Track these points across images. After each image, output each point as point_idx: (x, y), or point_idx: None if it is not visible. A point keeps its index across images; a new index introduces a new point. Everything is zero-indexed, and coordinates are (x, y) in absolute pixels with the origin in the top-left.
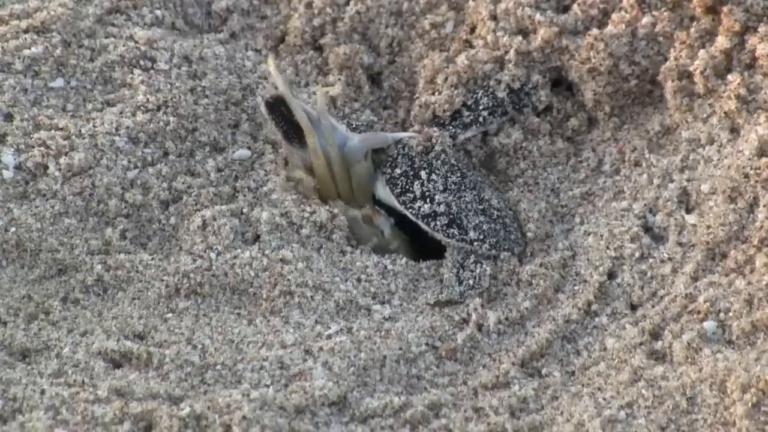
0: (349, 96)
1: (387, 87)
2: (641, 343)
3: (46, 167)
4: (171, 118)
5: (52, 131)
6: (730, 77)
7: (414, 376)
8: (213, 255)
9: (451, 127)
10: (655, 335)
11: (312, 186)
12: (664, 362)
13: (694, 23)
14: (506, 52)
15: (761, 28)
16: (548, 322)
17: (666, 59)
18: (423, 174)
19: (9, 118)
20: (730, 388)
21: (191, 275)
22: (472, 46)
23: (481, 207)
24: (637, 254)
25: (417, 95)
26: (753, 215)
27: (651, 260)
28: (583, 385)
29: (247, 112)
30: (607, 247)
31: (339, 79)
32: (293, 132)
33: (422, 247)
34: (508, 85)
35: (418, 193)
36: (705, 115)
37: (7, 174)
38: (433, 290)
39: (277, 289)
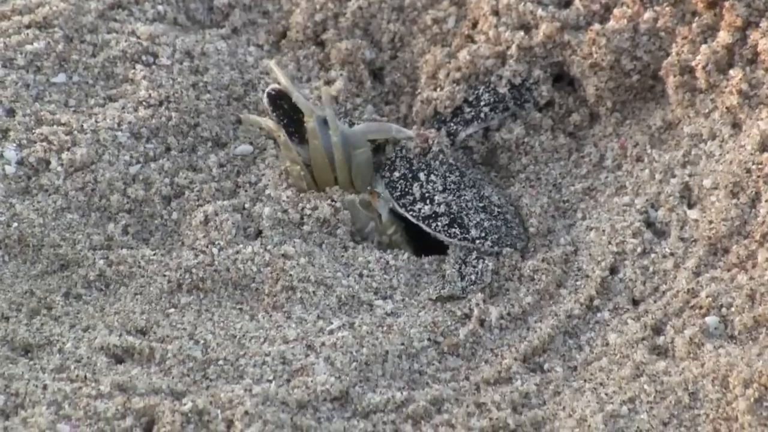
0: (351, 91)
1: (389, 82)
2: (643, 339)
3: (49, 162)
4: (173, 114)
5: (55, 126)
6: (731, 72)
7: (416, 372)
8: (215, 250)
9: (452, 124)
10: (657, 330)
11: (300, 175)
12: (666, 357)
13: (696, 18)
14: (508, 48)
15: (763, 23)
16: (550, 317)
17: (668, 54)
18: (422, 175)
19: (11, 113)
20: (732, 383)
21: (193, 270)
22: (473, 42)
23: (481, 204)
24: (639, 249)
25: (419, 91)
26: (755, 210)
27: (653, 255)
28: (585, 381)
29: (249, 108)
30: (609, 242)
31: (341, 75)
32: (293, 126)
33: (425, 245)
34: (509, 80)
35: (417, 195)
36: (707, 111)
37: (10, 169)
38: (435, 285)
39: (279, 284)
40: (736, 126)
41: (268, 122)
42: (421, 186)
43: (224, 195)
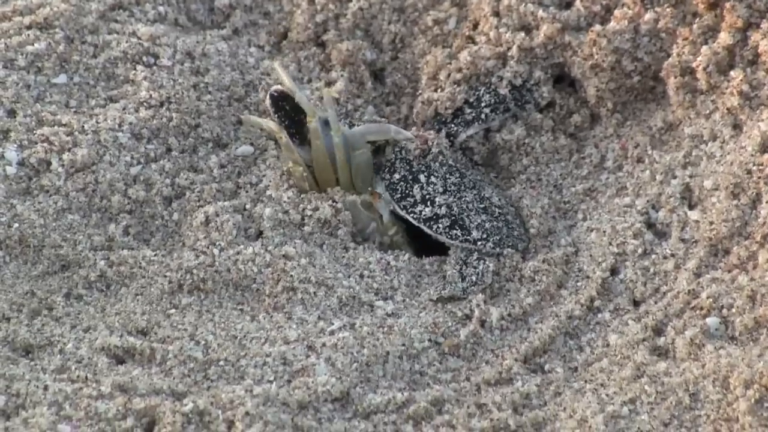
0: (352, 92)
1: (390, 83)
2: (644, 339)
3: (49, 163)
4: (174, 115)
5: (55, 127)
6: (732, 73)
7: (417, 372)
8: (216, 251)
9: (453, 125)
10: (658, 331)
11: (302, 176)
12: (666, 358)
13: (697, 19)
14: (509, 49)
15: (764, 24)
16: (551, 318)
17: (668, 55)
18: (422, 177)
19: (12, 114)
20: (732, 384)
21: (194, 271)
22: (474, 43)
23: (482, 206)
24: (639, 250)
25: (420, 92)
26: (756, 211)
27: (654, 256)
28: (585, 381)
29: (250, 109)
30: (610, 243)
31: (342, 76)
32: (294, 128)
33: (426, 245)
34: (510, 81)
35: (418, 197)
36: (707, 112)
37: (11, 170)
38: (435, 286)
39: (280, 285)
40: (737, 127)
41: (270, 123)
42: (422, 188)
43: (225, 196)
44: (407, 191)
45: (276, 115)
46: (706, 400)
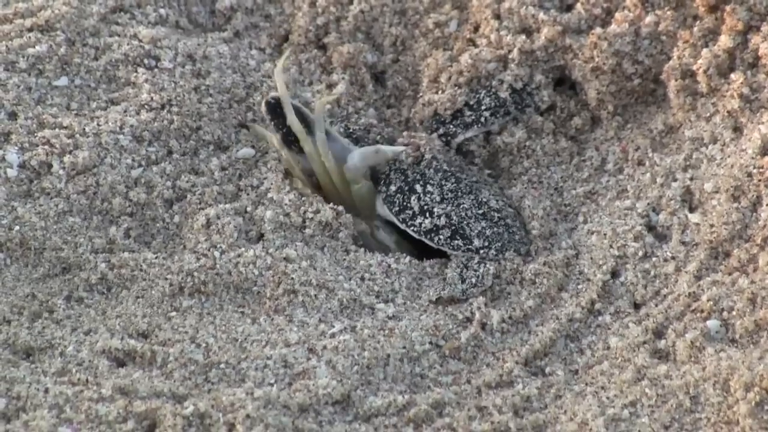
0: (353, 95)
1: (391, 86)
2: (644, 342)
3: (50, 166)
4: (175, 117)
5: (56, 130)
6: (733, 76)
7: (417, 375)
8: (217, 253)
9: (451, 126)
10: (659, 334)
11: (302, 179)
12: (667, 361)
13: (697, 22)
14: (509, 51)
15: (764, 27)
16: (552, 320)
17: (669, 58)
18: (418, 187)
19: (13, 116)
20: (733, 386)
21: (195, 274)
22: (475, 45)
23: (480, 212)
24: (640, 253)
25: (420, 94)
26: (756, 214)
27: (654, 259)
28: (586, 384)
29: (252, 111)
30: (611, 246)
31: (343, 78)
32: (293, 135)
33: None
34: (510, 85)
35: (416, 208)
36: (708, 114)
37: (12, 172)
38: (435, 288)
39: (281, 287)
40: (737, 130)
41: (273, 139)
42: (419, 198)
43: (226, 198)
44: (405, 203)
45: (272, 122)
46: (706, 402)
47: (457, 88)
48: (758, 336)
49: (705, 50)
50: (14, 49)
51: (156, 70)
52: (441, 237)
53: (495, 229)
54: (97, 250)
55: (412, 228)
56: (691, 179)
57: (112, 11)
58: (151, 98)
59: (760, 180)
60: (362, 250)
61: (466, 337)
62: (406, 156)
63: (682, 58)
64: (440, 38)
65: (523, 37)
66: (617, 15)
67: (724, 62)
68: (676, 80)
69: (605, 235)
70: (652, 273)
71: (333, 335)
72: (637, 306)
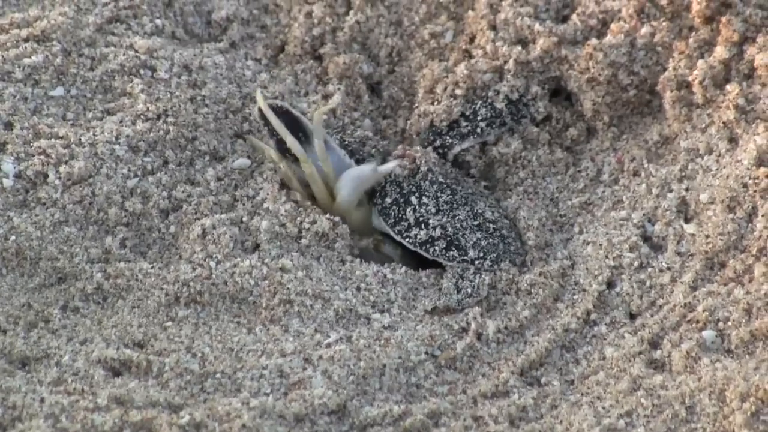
0: (349, 105)
1: (386, 96)
2: (640, 352)
3: (46, 176)
4: (171, 127)
5: (52, 140)
6: (728, 87)
7: (413, 385)
8: (213, 263)
9: (447, 137)
10: (654, 344)
11: (299, 190)
12: (663, 371)
13: (693, 33)
14: (505, 62)
15: (760, 39)
16: (547, 331)
17: (665, 69)
18: (413, 199)
19: (9, 126)
20: (729, 397)
21: (191, 284)
22: (471, 56)
23: (476, 223)
24: (635, 264)
25: (416, 105)
26: (751, 225)
27: (650, 269)
28: (582, 394)
29: (248, 121)
30: (606, 257)
31: (338, 89)
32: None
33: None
34: (506, 95)
35: (411, 220)
36: (704, 125)
37: (7, 182)
38: (431, 298)
39: (277, 297)
40: (733, 141)
41: (271, 152)
42: (414, 210)
43: (222, 208)
44: (400, 215)
45: (266, 129)
46: (702, 413)
47: (452, 98)
48: (754, 346)
49: (701, 61)
50: (10, 59)
51: (152, 80)
52: (436, 248)
53: (490, 240)
54: (92, 260)
55: (407, 239)
56: (687, 190)
57: (108, 21)
58: (147, 108)
59: (755, 191)
60: (358, 260)
61: (462, 347)
62: (402, 168)
63: (677, 69)
64: (436, 49)
65: (519, 47)
66: (613, 26)
67: (719, 73)
68: (671, 91)
69: (601, 245)
70: (648, 283)
71: (329, 345)
72: (632, 316)
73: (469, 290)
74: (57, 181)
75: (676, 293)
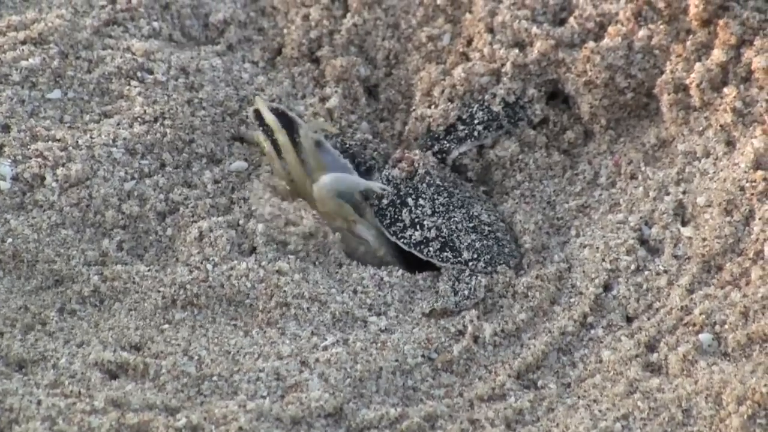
0: (346, 108)
1: (384, 99)
2: (637, 355)
3: (43, 178)
4: (168, 130)
5: (50, 142)
6: (726, 90)
7: (410, 388)
8: (209, 266)
9: (445, 141)
10: (651, 347)
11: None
12: (659, 374)
13: (690, 36)
14: (502, 65)
15: (757, 42)
16: (544, 334)
17: (662, 72)
18: (410, 200)
19: (6, 129)
20: (725, 400)
21: (188, 286)
22: (468, 59)
23: (471, 225)
24: (632, 267)
25: (413, 108)
26: (748, 228)
27: (647, 273)
28: (578, 397)
29: (245, 124)
30: (603, 260)
31: (336, 92)
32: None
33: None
34: (503, 98)
35: (407, 221)
36: (701, 128)
37: (4, 185)
38: (428, 300)
39: (274, 300)
40: (730, 144)
41: (260, 137)
42: (410, 211)
43: (219, 211)
44: (396, 216)
45: (261, 129)
46: (698, 416)
47: (449, 101)
48: (750, 349)
49: (698, 64)
50: (7, 61)
51: (149, 83)
52: (430, 249)
53: (484, 241)
54: (89, 263)
55: (402, 240)
56: (684, 193)
57: (105, 24)
58: (144, 111)
59: (752, 194)
60: (355, 263)
61: (459, 350)
62: (400, 171)
63: (675, 72)
64: (433, 52)
65: (516, 50)
66: (610, 29)
67: (717, 76)
68: (669, 94)
69: (598, 248)
70: (645, 286)
71: (325, 348)
72: (629, 319)
73: (465, 292)
74: (54, 184)
75: (673, 296)
